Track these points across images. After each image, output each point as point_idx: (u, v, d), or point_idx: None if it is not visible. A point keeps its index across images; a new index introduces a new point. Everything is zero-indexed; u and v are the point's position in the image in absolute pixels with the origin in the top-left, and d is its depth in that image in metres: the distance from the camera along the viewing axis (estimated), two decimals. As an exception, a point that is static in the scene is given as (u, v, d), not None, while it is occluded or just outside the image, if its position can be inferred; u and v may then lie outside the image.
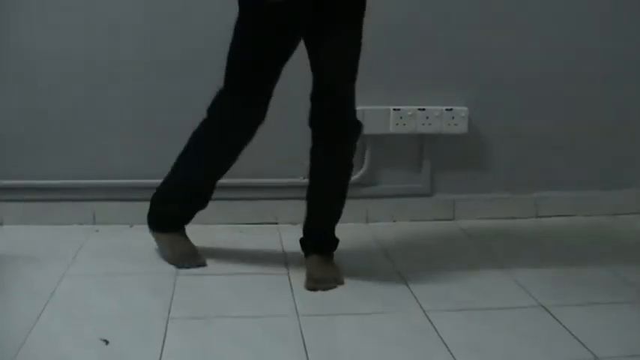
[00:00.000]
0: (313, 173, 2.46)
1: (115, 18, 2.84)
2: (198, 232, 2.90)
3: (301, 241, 2.56)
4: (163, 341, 2.00)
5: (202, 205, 2.60)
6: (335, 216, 2.51)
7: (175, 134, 2.94)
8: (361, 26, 2.31)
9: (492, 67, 3.01)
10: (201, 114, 2.89)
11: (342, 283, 2.43)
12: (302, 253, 2.54)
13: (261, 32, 2.27)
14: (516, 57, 3.02)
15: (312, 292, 2.36)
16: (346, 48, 2.32)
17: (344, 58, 2.33)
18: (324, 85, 2.34)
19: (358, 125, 2.41)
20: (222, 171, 2.52)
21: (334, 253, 2.54)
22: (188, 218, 2.63)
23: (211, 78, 2.87)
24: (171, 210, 2.59)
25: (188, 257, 2.56)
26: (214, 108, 2.42)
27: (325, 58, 2.32)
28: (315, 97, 2.36)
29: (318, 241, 2.53)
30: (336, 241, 2.54)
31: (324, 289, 2.39)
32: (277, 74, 2.34)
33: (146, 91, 2.90)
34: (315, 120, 2.37)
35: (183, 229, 2.63)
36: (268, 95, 2.36)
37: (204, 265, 2.55)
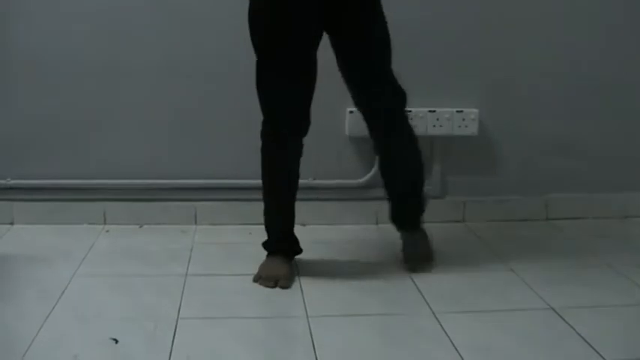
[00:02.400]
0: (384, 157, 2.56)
1: (126, 19, 2.85)
2: (208, 232, 2.92)
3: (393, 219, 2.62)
4: (172, 341, 2.00)
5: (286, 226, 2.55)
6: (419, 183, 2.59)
7: (185, 135, 2.96)
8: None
9: (503, 69, 3.01)
10: (212, 114, 2.91)
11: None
12: (313, 252, 2.57)
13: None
14: (526, 59, 3.01)
15: (321, 293, 2.35)
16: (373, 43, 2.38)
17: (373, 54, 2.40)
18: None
19: (402, 93, 2.47)
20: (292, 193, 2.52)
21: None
22: (278, 240, 2.54)
23: (222, 78, 2.90)
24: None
25: (265, 278, 2.42)
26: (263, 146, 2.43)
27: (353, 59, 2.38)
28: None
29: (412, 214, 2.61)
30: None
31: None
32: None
33: (156, 91, 2.91)
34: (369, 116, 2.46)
35: (283, 254, 2.51)
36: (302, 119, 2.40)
37: (281, 287, 2.40)
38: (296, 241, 2.56)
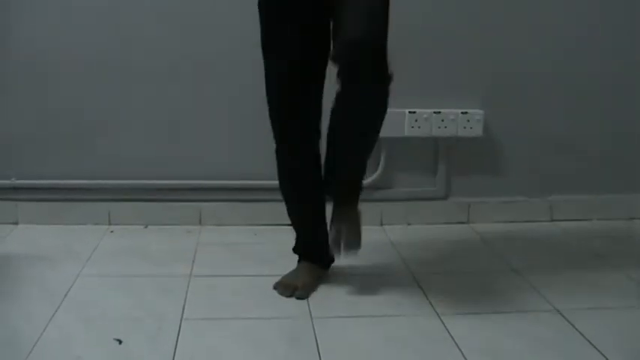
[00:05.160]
0: (339, 110, 2.15)
1: (131, 19, 2.85)
2: (213, 233, 2.92)
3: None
4: (176, 342, 2.00)
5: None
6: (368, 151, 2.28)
7: (191, 135, 2.96)
8: None
9: (508, 70, 3.00)
10: (217, 115, 2.91)
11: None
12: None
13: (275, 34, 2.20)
14: (531, 60, 3.01)
15: (325, 294, 2.36)
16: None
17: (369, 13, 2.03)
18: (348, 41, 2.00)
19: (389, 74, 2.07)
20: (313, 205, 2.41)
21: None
22: (305, 249, 2.49)
23: (226, 79, 2.90)
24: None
25: (283, 286, 2.38)
26: (277, 162, 2.34)
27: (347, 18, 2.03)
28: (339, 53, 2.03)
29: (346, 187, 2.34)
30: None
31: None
32: (311, 100, 2.24)
33: (161, 91, 2.91)
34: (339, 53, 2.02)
35: (309, 261, 2.47)
36: (310, 136, 2.28)
37: (297, 297, 2.35)
38: (324, 250, 2.43)
